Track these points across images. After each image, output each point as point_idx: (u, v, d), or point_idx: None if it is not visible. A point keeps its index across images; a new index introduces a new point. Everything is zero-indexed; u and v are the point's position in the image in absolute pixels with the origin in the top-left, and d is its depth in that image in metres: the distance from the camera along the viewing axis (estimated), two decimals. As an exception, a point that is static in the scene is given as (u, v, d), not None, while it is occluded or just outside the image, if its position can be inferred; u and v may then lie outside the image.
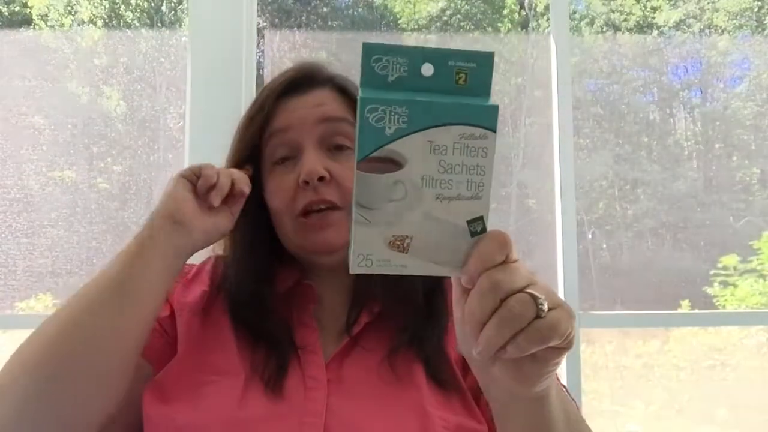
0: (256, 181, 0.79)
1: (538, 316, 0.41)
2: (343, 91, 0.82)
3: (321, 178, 0.74)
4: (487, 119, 0.42)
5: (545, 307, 0.42)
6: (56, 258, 1.68)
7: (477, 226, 0.43)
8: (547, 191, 1.62)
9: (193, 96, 1.33)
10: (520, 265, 0.43)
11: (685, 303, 1.98)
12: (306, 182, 0.74)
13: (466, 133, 0.41)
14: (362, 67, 0.41)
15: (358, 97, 0.41)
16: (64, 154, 1.76)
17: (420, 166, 0.42)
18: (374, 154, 0.41)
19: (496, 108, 0.42)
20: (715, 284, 2.05)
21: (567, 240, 1.50)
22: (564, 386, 0.73)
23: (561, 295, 1.48)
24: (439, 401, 0.68)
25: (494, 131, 0.42)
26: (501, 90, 2.16)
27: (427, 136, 0.41)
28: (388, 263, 0.43)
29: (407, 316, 0.74)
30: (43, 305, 1.66)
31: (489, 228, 0.44)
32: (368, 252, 0.43)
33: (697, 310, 1.98)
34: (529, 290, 0.42)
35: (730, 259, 2.02)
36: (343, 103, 0.81)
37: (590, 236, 2.10)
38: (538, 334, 0.41)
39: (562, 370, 1.50)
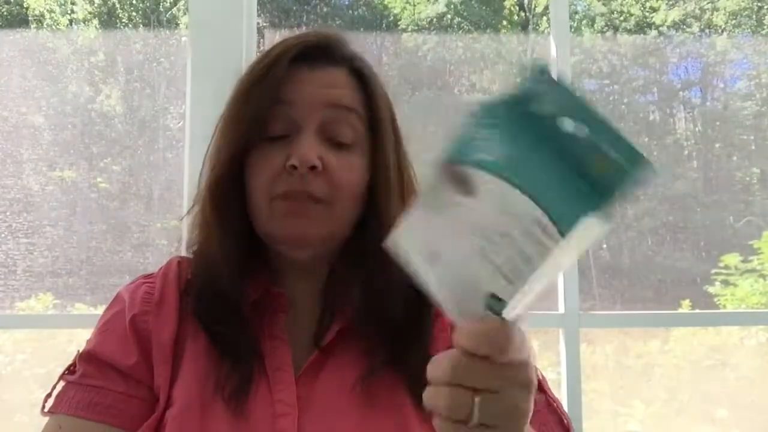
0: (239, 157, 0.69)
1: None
2: (359, 76, 0.73)
3: (312, 167, 0.66)
4: (567, 222, 0.37)
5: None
6: (56, 258, 1.68)
7: (495, 305, 0.41)
8: (547, 191, 1.62)
9: (193, 96, 1.33)
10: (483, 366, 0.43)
11: (686, 303, 1.99)
12: (294, 167, 0.65)
13: (543, 221, 0.38)
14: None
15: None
16: (64, 154, 1.76)
17: (487, 210, 0.40)
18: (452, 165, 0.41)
19: (583, 218, 0.37)
20: (717, 283, 2.05)
21: (567, 240, 1.50)
22: (554, 400, 0.69)
23: (561, 294, 1.47)
24: (427, 423, 0.65)
25: (563, 237, 0.37)
26: (501, 90, 2.17)
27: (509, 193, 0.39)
28: (417, 258, 0.43)
29: (384, 326, 0.67)
30: (43, 305, 1.66)
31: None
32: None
33: (697, 310, 1.98)
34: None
35: (732, 258, 2.02)
36: (356, 91, 0.72)
37: (590, 236, 2.09)
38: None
39: (562, 370, 1.49)
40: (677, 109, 2.35)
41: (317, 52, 0.71)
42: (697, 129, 2.38)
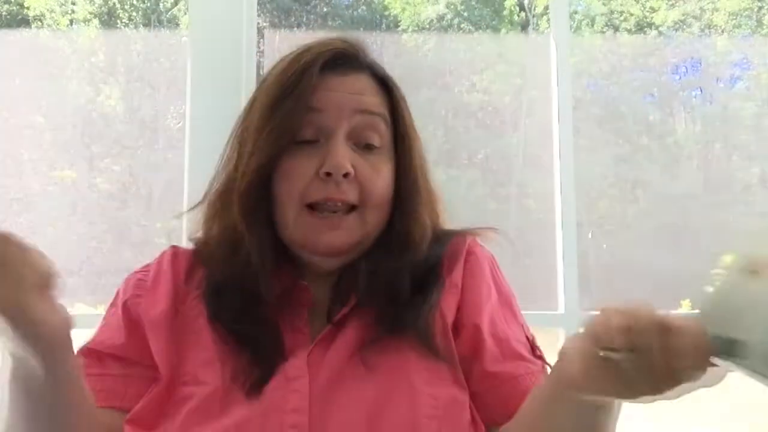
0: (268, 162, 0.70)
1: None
2: (382, 82, 0.75)
3: (345, 174, 0.68)
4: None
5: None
6: (56, 258, 1.68)
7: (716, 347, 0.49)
8: (547, 191, 1.62)
9: (193, 96, 1.33)
10: None
11: (686, 303, 1.99)
12: (329, 174, 0.68)
13: None
14: None
15: None
16: (64, 154, 1.76)
17: None
18: None
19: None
20: (717, 283, 2.05)
21: (567, 240, 1.50)
22: None
23: (561, 294, 1.48)
24: (429, 371, 0.66)
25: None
26: (501, 90, 2.17)
27: None
28: None
29: (391, 300, 0.70)
30: (43, 305, 1.66)
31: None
32: None
33: (697, 310, 1.98)
34: None
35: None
36: (380, 96, 0.74)
37: (590, 236, 2.10)
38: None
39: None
40: (677, 109, 2.35)
41: (344, 59, 0.73)
42: (697, 129, 2.38)
